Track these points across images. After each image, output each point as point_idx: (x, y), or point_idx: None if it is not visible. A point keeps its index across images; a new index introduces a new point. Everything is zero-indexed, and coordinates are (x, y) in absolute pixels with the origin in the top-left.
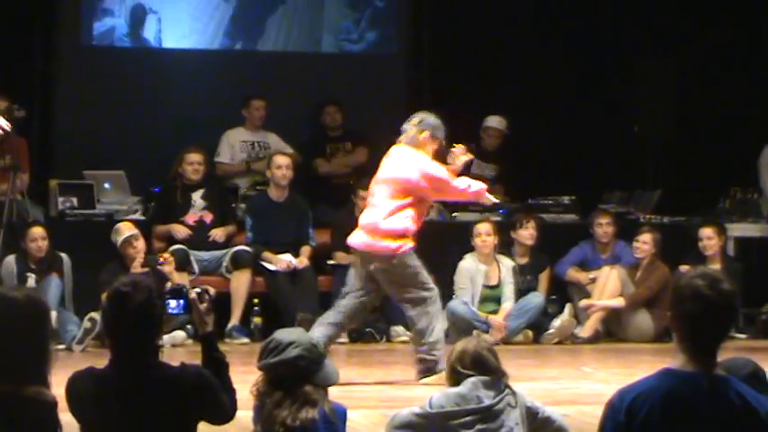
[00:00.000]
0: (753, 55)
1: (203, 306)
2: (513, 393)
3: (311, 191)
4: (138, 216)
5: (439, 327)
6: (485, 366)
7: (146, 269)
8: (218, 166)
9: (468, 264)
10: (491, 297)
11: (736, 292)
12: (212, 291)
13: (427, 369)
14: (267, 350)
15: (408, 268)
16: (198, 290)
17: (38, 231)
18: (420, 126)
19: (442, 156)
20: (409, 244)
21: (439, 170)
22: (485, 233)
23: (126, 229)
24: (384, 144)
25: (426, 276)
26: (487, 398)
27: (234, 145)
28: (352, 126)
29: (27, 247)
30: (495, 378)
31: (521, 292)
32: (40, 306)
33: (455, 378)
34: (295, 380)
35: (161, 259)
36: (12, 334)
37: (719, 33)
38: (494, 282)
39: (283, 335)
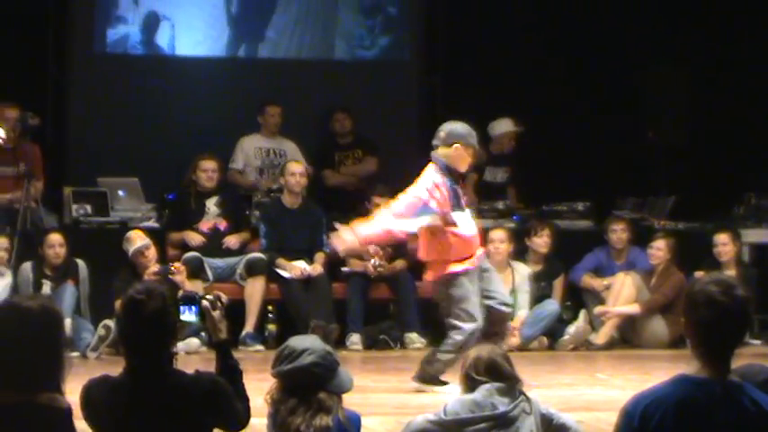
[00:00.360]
0: (766, 60)
1: (216, 313)
2: (528, 400)
3: (323, 198)
4: (152, 223)
5: (451, 356)
6: (499, 373)
7: (158, 278)
8: (229, 173)
9: None
10: None
11: (750, 297)
12: (225, 297)
13: (421, 377)
14: (281, 357)
15: (451, 294)
16: (210, 297)
17: (56, 238)
18: (448, 140)
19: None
20: (454, 267)
21: (410, 197)
22: (498, 240)
23: (137, 239)
24: (396, 150)
25: (471, 305)
26: (502, 404)
27: (248, 152)
28: (362, 133)
29: (45, 253)
30: (510, 385)
31: (535, 299)
32: (55, 315)
33: (469, 385)
34: (309, 387)
35: (173, 269)
36: (26, 344)
37: (732, 39)
38: (506, 288)
39: (297, 342)
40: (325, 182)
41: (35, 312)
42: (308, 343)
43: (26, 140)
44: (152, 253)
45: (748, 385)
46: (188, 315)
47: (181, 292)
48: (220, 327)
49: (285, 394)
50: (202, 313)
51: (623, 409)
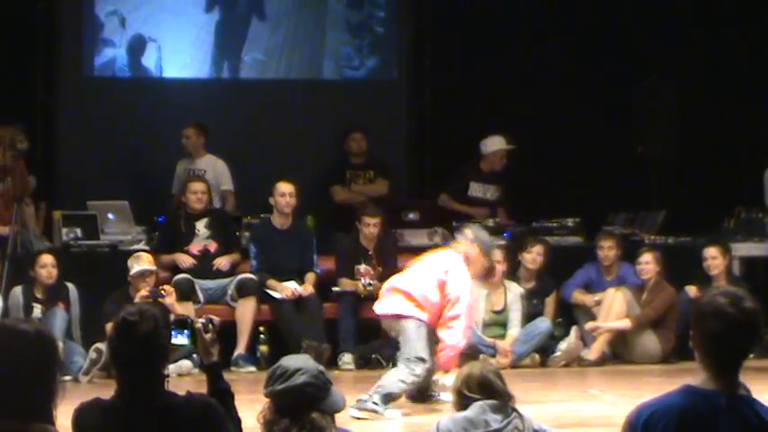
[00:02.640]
0: (754, 73)
1: (208, 336)
2: (521, 417)
3: (330, 217)
4: (142, 246)
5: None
6: (491, 390)
7: (148, 300)
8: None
9: None
10: (497, 322)
11: (758, 310)
12: (217, 320)
13: (362, 404)
14: (274, 377)
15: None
16: (203, 320)
17: (48, 258)
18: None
19: None
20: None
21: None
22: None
23: (146, 261)
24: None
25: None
26: (495, 422)
27: (180, 174)
28: (376, 155)
29: (36, 273)
30: (503, 402)
31: (527, 317)
32: (50, 340)
33: (462, 402)
34: (302, 407)
35: (162, 291)
36: (21, 368)
37: (721, 53)
38: (499, 307)
39: (290, 361)
40: (333, 197)
41: (31, 337)
42: (300, 362)
43: (15, 162)
44: (152, 281)
45: (753, 398)
46: (180, 339)
47: (172, 316)
48: (212, 350)
49: (278, 414)
50: (194, 336)
51: (627, 418)
